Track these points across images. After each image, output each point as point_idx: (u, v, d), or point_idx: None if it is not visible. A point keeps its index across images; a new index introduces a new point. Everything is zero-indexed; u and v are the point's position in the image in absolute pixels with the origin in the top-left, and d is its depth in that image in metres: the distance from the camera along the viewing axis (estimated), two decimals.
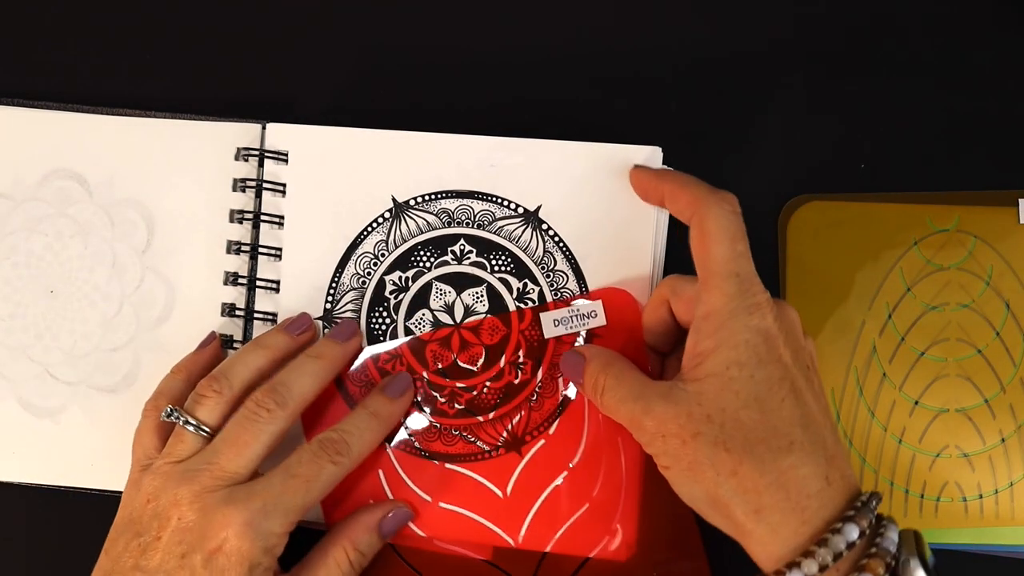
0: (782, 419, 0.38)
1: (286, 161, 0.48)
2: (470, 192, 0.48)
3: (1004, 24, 0.50)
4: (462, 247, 0.48)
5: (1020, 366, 0.47)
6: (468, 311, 0.47)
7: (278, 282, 0.48)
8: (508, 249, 0.47)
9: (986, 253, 0.48)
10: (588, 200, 0.47)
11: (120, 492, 0.43)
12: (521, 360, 0.46)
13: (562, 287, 0.47)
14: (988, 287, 0.48)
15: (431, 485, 0.46)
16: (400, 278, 0.48)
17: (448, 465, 0.46)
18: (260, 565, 0.40)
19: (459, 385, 0.46)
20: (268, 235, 0.48)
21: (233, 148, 0.49)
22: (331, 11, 0.51)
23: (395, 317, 0.47)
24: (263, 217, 0.48)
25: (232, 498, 0.40)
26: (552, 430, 0.46)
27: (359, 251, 0.48)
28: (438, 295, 0.47)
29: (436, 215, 0.48)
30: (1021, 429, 0.47)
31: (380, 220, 0.48)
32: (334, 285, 0.48)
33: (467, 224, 0.48)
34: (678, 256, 0.46)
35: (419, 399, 0.46)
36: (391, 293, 0.47)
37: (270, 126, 0.49)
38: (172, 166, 0.49)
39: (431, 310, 0.47)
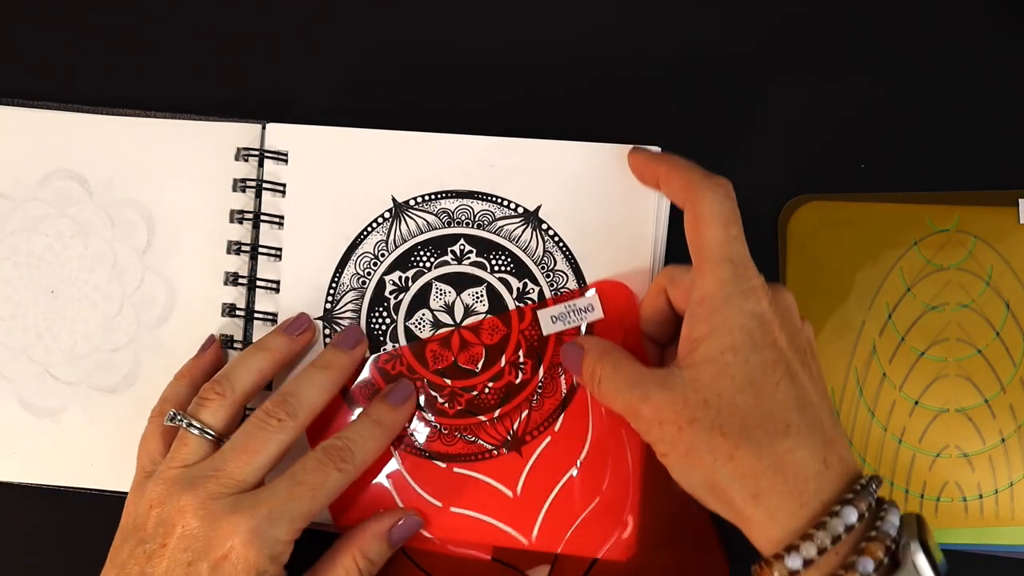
0: (778, 403, 0.38)
1: (286, 161, 0.48)
2: (470, 192, 0.48)
3: (1004, 24, 0.50)
4: (462, 247, 0.47)
5: (1020, 366, 0.47)
6: (468, 311, 0.47)
7: (278, 282, 0.48)
8: (508, 249, 0.47)
9: (986, 253, 0.48)
10: (588, 200, 0.47)
11: (121, 492, 0.43)
12: (521, 360, 0.46)
13: (562, 287, 0.47)
14: (988, 287, 0.48)
15: (440, 490, 0.46)
16: (400, 278, 0.48)
17: (456, 469, 0.46)
18: (267, 573, 0.40)
19: (459, 386, 0.46)
20: (268, 235, 0.48)
21: (233, 148, 0.49)
22: (331, 11, 0.51)
23: (395, 317, 0.47)
24: (263, 217, 0.48)
25: (238, 506, 0.40)
26: (558, 427, 0.46)
27: (359, 251, 0.48)
28: (438, 295, 0.47)
29: (436, 215, 0.48)
30: (1021, 429, 0.47)
31: (380, 220, 0.48)
32: (334, 285, 0.48)
33: (467, 224, 0.48)
34: (678, 256, 0.45)
35: (420, 400, 0.46)
36: (391, 293, 0.47)
37: (270, 126, 0.49)
38: (172, 166, 0.49)
39: (431, 310, 0.47)
